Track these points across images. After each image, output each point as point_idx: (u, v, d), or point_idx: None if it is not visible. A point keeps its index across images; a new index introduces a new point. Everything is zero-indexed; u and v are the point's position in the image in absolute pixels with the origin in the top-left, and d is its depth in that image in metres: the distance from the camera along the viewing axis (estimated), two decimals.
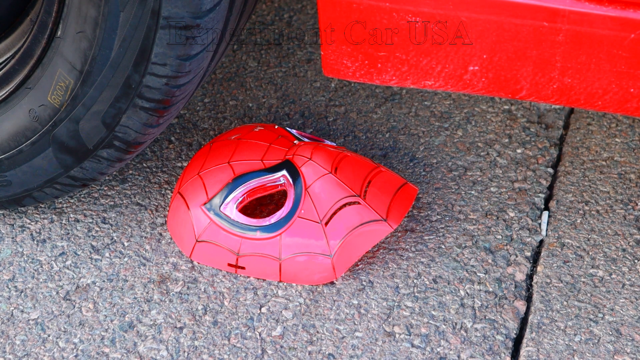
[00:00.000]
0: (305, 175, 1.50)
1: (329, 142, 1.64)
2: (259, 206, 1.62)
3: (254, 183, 1.52)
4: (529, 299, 1.47)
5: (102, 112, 1.42)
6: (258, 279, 1.50)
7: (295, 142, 1.57)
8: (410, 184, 1.59)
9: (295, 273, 1.48)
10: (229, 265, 1.50)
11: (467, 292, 1.48)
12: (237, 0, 1.37)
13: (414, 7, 1.25)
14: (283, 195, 1.62)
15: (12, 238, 1.58)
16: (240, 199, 1.51)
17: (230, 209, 1.50)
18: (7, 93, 1.46)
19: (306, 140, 1.60)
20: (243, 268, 1.50)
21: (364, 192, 1.52)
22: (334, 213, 1.49)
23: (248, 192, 1.52)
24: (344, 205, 1.49)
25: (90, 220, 1.61)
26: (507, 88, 1.30)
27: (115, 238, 1.58)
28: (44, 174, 1.50)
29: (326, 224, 1.48)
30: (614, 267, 1.51)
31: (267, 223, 1.49)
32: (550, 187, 1.66)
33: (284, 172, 1.52)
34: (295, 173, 1.51)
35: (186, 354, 1.40)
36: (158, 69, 1.35)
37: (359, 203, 1.50)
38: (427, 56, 1.29)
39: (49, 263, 1.54)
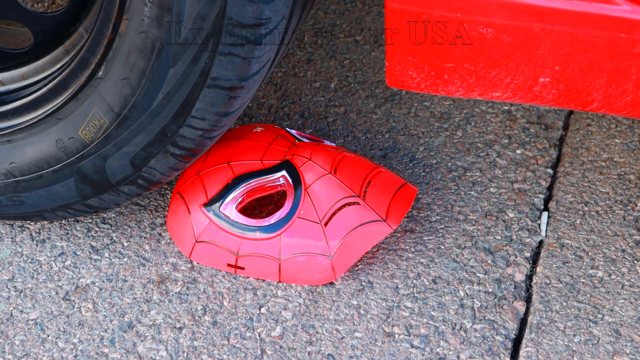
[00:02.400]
0: (305, 175, 1.50)
1: (328, 143, 1.64)
2: (259, 206, 1.62)
3: (253, 183, 1.52)
4: (528, 300, 1.47)
5: (132, 153, 1.42)
6: (257, 279, 1.50)
7: (295, 142, 1.57)
8: (410, 185, 1.59)
9: (294, 273, 1.48)
10: (229, 265, 1.50)
11: (466, 293, 1.48)
12: (277, 59, 1.40)
13: (486, 18, 1.23)
14: (283, 195, 1.62)
15: (12, 238, 1.58)
16: (240, 199, 1.51)
17: (230, 209, 1.50)
18: (35, 119, 1.45)
19: (306, 140, 1.60)
20: (242, 268, 1.50)
21: (363, 193, 1.51)
22: (334, 213, 1.48)
23: (248, 192, 1.52)
24: (344, 205, 1.49)
25: (90, 220, 1.61)
26: (577, 100, 1.28)
27: (114, 238, 1.58)
28: (59, 200, 1.50)
29: (326, 224, 1.48)
30: (613, 268, 1.51)
31: (267, 223, 1.49)
32: (550, 188, 1.66)
33: (284, 172, 1.52)
34: (294, 173, 1.51)
35: (185, 354, 1.40)
36: (196, 122, 1.37)
37: (358, 203, 1.50)
38: (497, 67, 1.27)
39: (48, 263, 1.54)
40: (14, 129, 1.46)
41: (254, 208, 1.61)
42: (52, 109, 1.43)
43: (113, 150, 1.43)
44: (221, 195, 1.51)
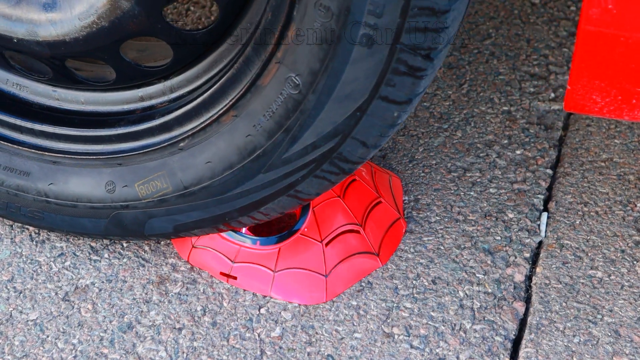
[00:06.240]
0: None
1: None
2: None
3: None
4: (528, 300, 1.47)
5: (181, 222, 1.41)
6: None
7: None
8: (402, 220, 1.58)
9: (287, 288, 1.47)
10: (222, 274, 1.49)
11: (466, 293, 1.48)
12: None
13: None
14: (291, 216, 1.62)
15: (11, 239, 1.58)
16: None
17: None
18: (89, 155, 1.41)
19: None
20: (235, 278, 1.49)
21: (364, 222, 1.51)
22: (336, 237, 1.48)
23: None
24: (346, 231, 1.49)
25: None
26: None
27: (114, 239, 1.58)
28: (81, 229, 1.48)
29: (327, 244, 1.47)
30: (612, 269, 1.51)
31: (269, 236, 1.48)
32: (550, 189, 1.66)
33: None
34: None
35: (185, 354, 1.40)
36: (258, 215, 1.38)
37: (359, 232, 1.50)
38: None
39: (48, 264, 1.54)
40: (64, 155, 1.43)
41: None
42: (113, 153, 1.40)
43: (162, 213, 1.40)
44: None
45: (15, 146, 1.44)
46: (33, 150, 1.44)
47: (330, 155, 1.27)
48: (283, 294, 1.47)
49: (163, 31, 1.29)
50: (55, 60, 1.36)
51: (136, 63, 1.36)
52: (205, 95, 1.32)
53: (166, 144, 1.35)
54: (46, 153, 1.43)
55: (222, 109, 1.29)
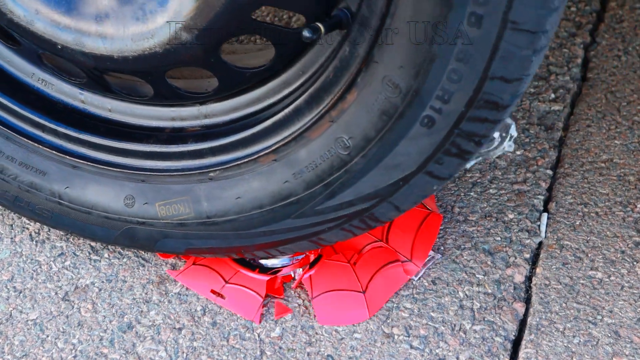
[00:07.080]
0: None
1: None
2: None
3: None
4: (527, 301, 1.47)
5: (195, 246, 1.40)
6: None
7: None
8: (435, 213, 1.56)
9: (327, 312, 1.44)
10: (212, 291, 1.48)
11: (466, 294, 1.48)
12: None
13: None
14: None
15: (11, 239, 1.58)
16: None
17: None
18: (111, 167, 1.40)
19: None
20: (223, 297, 1.47)
21: (386, 235, 1.51)
22: (360, 256, 1.48)
23: None
24: (370, 249, 1.49)
25: None
26: None
27: None
28: (89, 234, 1.47)
29: (354, 263, 1.47)
30: (612, 269, 1.51)
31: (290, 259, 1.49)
32: (550, 189, 1.66)
33: None
34: None
35: (185, 354, 1.40)
36: (273, 252, 1.39)
37: (381, 247, 1.49)
38: None
39: (47, 264, 1.54)
40: (85, 161, 1.41)
41: None
42: (138, 169, 1.38)
43: (179, 236, 1.39)
44: None
45: (35, 144, 1.43)
46: (54, 152, 1.42)
47: (362, 214, 1.29)
48: (326, 320, 1.44)
49: (215, 65, 1.28)
50: (96, 71, 1.35)
51: (177, 87, 1.34)
52: (246, 133, 1.32)
53: (196, 171, 1.34)
54: (67, 156, 1.42)
55: (261, 150, 1.30)
